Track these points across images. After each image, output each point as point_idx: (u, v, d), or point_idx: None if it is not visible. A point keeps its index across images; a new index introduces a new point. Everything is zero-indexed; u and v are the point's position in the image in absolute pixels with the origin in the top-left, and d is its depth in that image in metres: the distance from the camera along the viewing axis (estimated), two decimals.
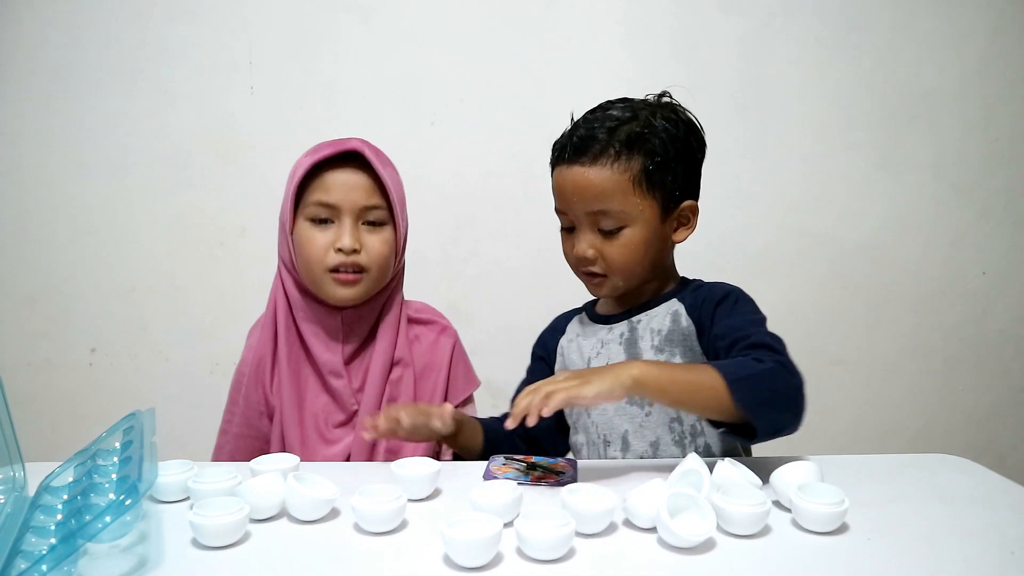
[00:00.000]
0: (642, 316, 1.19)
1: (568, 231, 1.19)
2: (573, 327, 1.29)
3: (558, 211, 1.19)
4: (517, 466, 1.06)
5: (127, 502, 0.71)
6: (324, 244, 1.16)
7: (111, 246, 2.07)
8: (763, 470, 0.93)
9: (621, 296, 1.22)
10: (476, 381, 1.32)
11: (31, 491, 0.89)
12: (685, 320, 1.15)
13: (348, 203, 1.16)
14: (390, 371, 1.22)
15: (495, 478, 1.01)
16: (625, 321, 1.20)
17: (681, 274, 1.25)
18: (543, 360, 1.32)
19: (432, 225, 2.07)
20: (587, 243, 1.15)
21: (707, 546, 0.80)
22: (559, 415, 1.17)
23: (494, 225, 2.09)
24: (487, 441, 1.20)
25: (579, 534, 0.81)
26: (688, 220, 1.18)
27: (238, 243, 2.06)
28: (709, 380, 0.97)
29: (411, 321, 1.28)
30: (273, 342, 1.22)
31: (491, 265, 2.10)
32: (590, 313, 1.28)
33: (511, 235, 2.10)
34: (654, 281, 1.21)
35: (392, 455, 1.19)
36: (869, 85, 2.09)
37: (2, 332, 2.07)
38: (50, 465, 0.90)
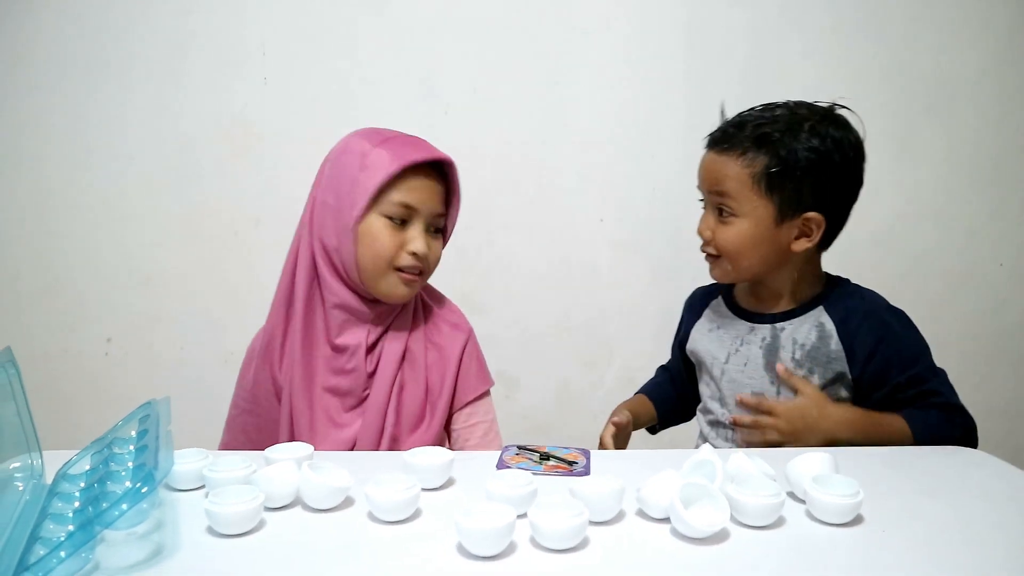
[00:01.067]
0: (786, 325, 1.22)
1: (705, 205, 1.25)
2: (710, 315, 1.33)
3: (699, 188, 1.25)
4: (530, 456, 1.06)
5: (143, 490, 0.71)
6: (397, 243, 1.17)
7: (126, 238, 2.08)
8: (777, 461, 0.93)
9: (760, 292, 1.25)
10: (489, 380, 1.31)
11: (49, 479, 0.90)
12: (834, 343, 1.18)
13: (427, 209, 1.18)
14: (403, 359, 1.23)
15: (508, 468, 1.01)
16: (768, 326, 1.23)
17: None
18: (682, 343, 1.37)
19: None
20: (706, 223, 1.22)
21: (720, 537, 0.80)
22: (694, 382, 1.34)
23: (508, 216, 2.09)
24: (659, 413, 1.41)
25: (592, 524, 0.81)
26: (811, 232, 1.18)
27: (252, 234, 2.07)
28: (898, 437, 1.14)
29: (429, 312, 1.28)
30: (285, 323, 1.22)
31: (505, 256, 2.10)
32: (728, 301, 1.31)
33: (525, 226, 2.09)
34: (800, 288, 1.23)
35: (395, 443, 1.19)
36: (885, 74, 2.07)
37: (20, 323, 2.09)
38: (67, 453, 0.91)
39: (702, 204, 1.24)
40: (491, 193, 2.07)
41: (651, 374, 1.51)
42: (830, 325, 1.19)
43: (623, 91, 2.07)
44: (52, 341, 2.10)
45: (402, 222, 1.17)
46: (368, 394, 1.20)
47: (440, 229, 1.23)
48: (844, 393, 1.20)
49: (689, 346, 1.34)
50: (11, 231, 2.08)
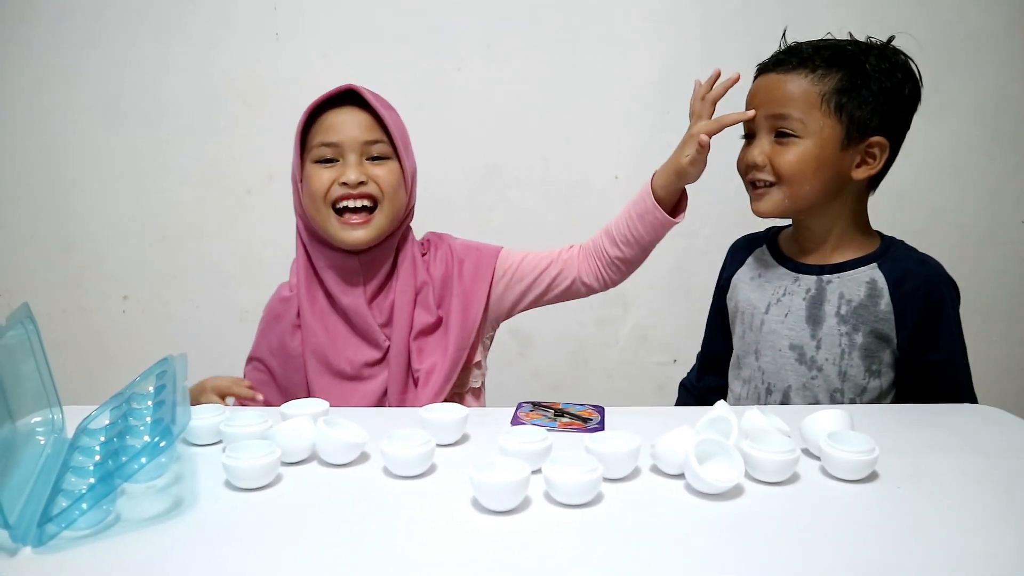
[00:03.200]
0: (833, 278, 1.18)
1: (748, 139, 1.20)
2: (753, 263, 1.29)
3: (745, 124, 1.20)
4: (545, 412, 1.07)
5: (162, 444, 0.72)
6: (328, 179, 1.17)
7: (141, 195, 2.08)
8: (792, 418, 0.93)
9: (806, 237, 1.22)
10: (493, 248, 1.31)
11: (69, 433, 0.91)
12: (884, 304, 1.15)
13: (349, 139, 1.18)
14: (416, 299, 1.23)
15: (523, 424, 1.01)
16: (814, 277, 1.20)
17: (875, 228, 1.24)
18: (723, 291, 1.34)
19: (459, 173, 2.06)
20: (760, 148, 1.16)
21: (735, 492, 0.80)
22: (729, 343, 1.29)
23: (521, 173, 2.07)
24: None
25: (607, 479, 0.81)
26: (875, 158, 1.16)
27: (265, 190, 2.06)
28: None
29: (421, 250, 1.29)
30: (297, 292, 1.23)
31: (518, 213, 2.09)
32: (773, 250, 1.27)
33: (538, 183, 2.08)
34: (848, 237, 1.20)
35: (426, 377, 1.20)
36: (908, 28, 2.01)
37: (37, 280, 2.11)
38: (87, 408, 0.92)
39: (744, 138, 1.21)
40: (504, 151, 2.05)
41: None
42: (883, 283, 1.15)
43: (638, 46, 2.03)
44: (69, 298, 2.12)
45: (333, 161, 1.18)
46: (388, 345, 1.21)
47: (382, 156, 1.20)
48: (887, 357, 1.16)
49: (729, 295, 1.31)
50: (27, 190, 2.08)
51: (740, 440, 0.85)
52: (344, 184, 1.16)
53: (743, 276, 1.29)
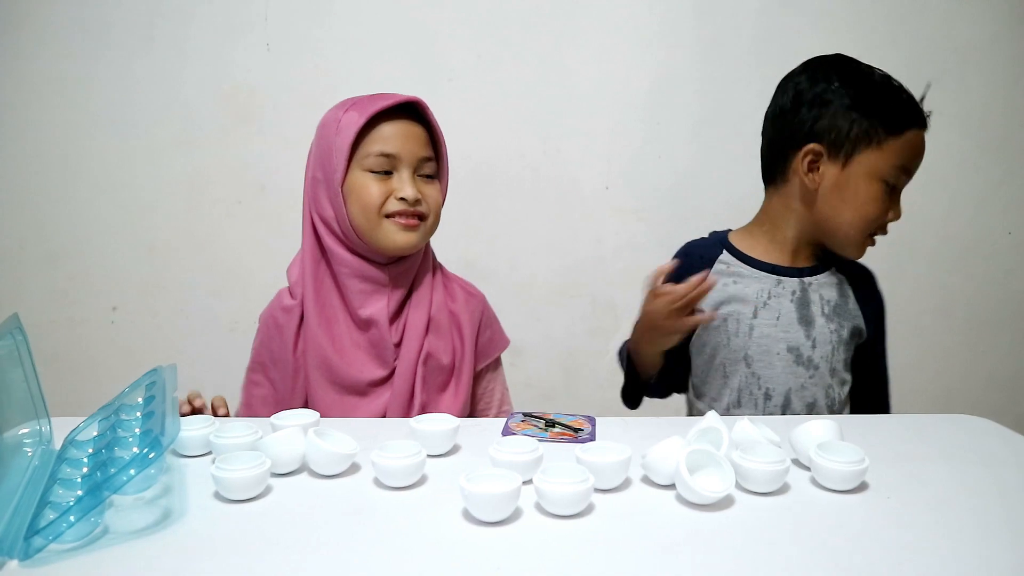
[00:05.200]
0: (812, 280, 1.25)
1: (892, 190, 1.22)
2: (724, 267, 1.27)
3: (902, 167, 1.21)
4: (536, 423, 1.07)
5: (151, 455, 0.71)
6: (383, 192, 1.16)
7: (131, 205, 2.08)
8: (783, 428, 0.93)
9: (785, 245, 1.27)
10: (506, 340, 1.33)
11: (57, 445, 0.90)
12: (852, 302, 1.26)
13: (408, 153, 1.17)
14: (428, 326, 1.22)
15: (514, 434, 1.01)
16: (796, 279, 1.24)
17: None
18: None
19: (449, 182, 2.05)
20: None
21: (726, 503, 0.80)
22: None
23: (513, 184, 2.08)
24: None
25: (598, 490, 0.81)
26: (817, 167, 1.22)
27: (256, 201, 2.06)
28: None
29: (447, 281, 1.28)
30: (302, 302, 1.20)
31: (510, 224, 2.09)
32: (740, 255, 1.27)
33: (529, 193, 2.08)
34: (808, 241, 1.27)
35: (425, 411, 1.19)
36: (896, 39, 2.04)
37: (26, 291, 2.10)
38: (75, 420, 0.91)
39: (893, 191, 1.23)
40: (495, 160, 2.05)
41: None
42: (847, 283, 1.26)
43: (629, 57, 2.04)
44: (58, 310, 2.10)
45: (387, 173, 1.16)
46: (396, 366, 1.20)
47: (432, 175, 1.21)
48: (853, 350, 1.27)
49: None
50: (16, 200, 2.07)
51: (731, 451, 0.85)
52: (402, 199, 1.15)
53: (719, 278, 1.26)
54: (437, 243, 1.30)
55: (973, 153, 2.10)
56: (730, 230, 1.32)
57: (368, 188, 1.16)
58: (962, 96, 2.07)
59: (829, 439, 0.88)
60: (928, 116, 1.21)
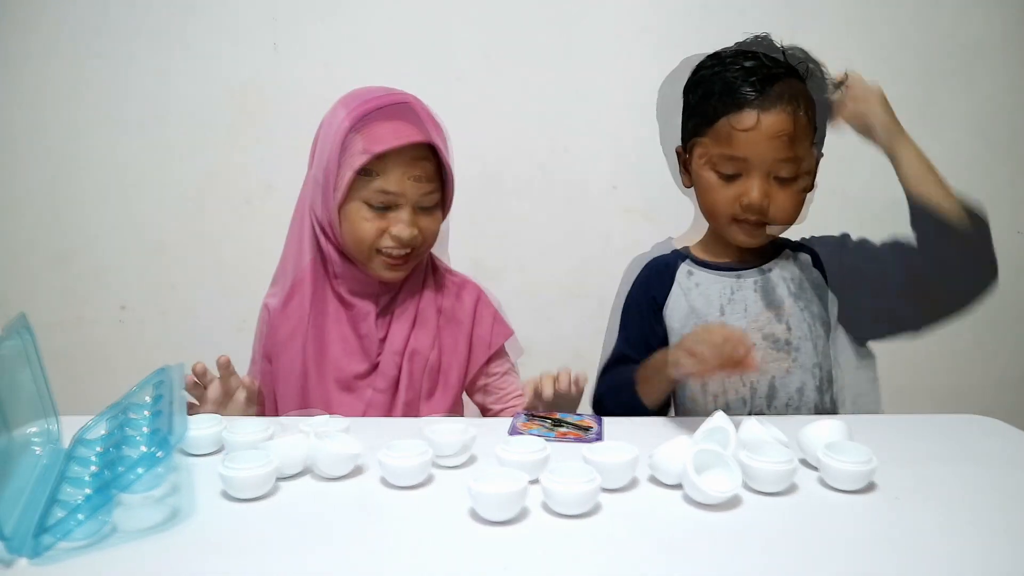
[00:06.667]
0: (772, 265, 1.25)
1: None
2: (683, 280, 1.27)
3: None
4: (543, 422, 1.07)
5: (159, 454, 0.72)
6: (378, 229, 1.14)
7: (139, 204, 2.08)
8: (790, 428, 0.92)
9: (726, 241, 1.26)
10: (509, 330, 1.31)
11: (66, 443, 0.91)
12: (816, 275, 1.26)
13: (412, 193, 1.15)
14: (414, 324, 1.22)
15: (521, 434, 1.01)
16: (754, 270, 1.25)
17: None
18: (654, 313, 1.28)
19: (457, 182, 2.05)
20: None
21: (733, 503, 0.80)
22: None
23: (520, 183, 2.08)
24: None
25: (605, 490, 0.81)
26: None
27: (264, 200, 2.06)
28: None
29: (440, 276, 1.28)
30: (292, 294, 1.21)
31: (517, 223, 2.09)
32: (699, 262, 1.28)
33: (536, 192, 2.08)
34: None
35: (409, 409, 1.19)
36: (905, 38, 2.03)
37: (35, 290, 2.10)
38: (83, 419, 0.92)
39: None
40: (503, 160, 2.05)
41: None
42: (806, 259, 1.27)
43: (636, 57, 2.04)
44: (66, 309, 2.11)
45: (386, 207, 1.14)
46: (379, 360, 1.20)
47: (431, 206, 1.19)
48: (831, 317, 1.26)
49: (669, 314, 1.27)
50: (25, 199, 2.08)
51: (738, 450, 0.85)
52: (396, 238, 1.14)
53: (677, 294, 1.26)
54: (444, 243, 1.30)
55: (982, 152, 2.09)
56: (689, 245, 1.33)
57: (363, 225, 1.14)
58: (971, 95, 2.06)
59: (837, 439, 0.88)
60: (784, 97, 1.19)
